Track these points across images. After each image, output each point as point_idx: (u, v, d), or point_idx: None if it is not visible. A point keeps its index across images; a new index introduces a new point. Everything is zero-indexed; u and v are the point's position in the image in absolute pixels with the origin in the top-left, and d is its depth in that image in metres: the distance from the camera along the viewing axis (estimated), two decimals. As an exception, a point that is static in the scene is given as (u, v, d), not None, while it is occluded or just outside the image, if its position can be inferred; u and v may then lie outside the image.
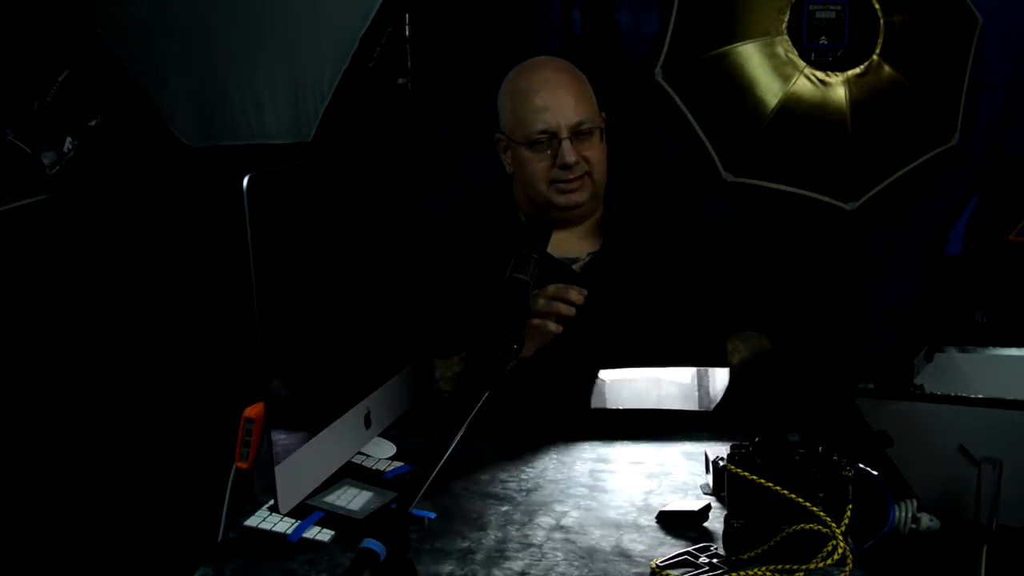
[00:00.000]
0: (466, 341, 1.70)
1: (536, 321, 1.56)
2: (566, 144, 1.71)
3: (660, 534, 1.27)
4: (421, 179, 1.45)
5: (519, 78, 1.78)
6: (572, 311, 1.56)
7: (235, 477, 1.35)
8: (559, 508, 1.35)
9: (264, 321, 1.06)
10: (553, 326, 1.56)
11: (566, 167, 1.72)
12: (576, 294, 1.56)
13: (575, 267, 1.78)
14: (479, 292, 1.73)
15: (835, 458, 1.25)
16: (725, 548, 1.21)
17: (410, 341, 1.44)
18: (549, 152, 1.73)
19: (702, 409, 1.59)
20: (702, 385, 1.59)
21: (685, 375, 1.61)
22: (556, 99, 1.73)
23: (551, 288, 1.58)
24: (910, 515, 1.23)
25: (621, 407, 1.57)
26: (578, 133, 1.73)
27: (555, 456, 1.53)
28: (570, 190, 1.75)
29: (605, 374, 1.57)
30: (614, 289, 1.73)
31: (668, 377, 1.60)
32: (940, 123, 2.56)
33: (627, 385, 1.58)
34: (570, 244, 1.79)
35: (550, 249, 1.70)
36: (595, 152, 1.75)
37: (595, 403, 1.56)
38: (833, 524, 1.18)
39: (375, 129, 2.65)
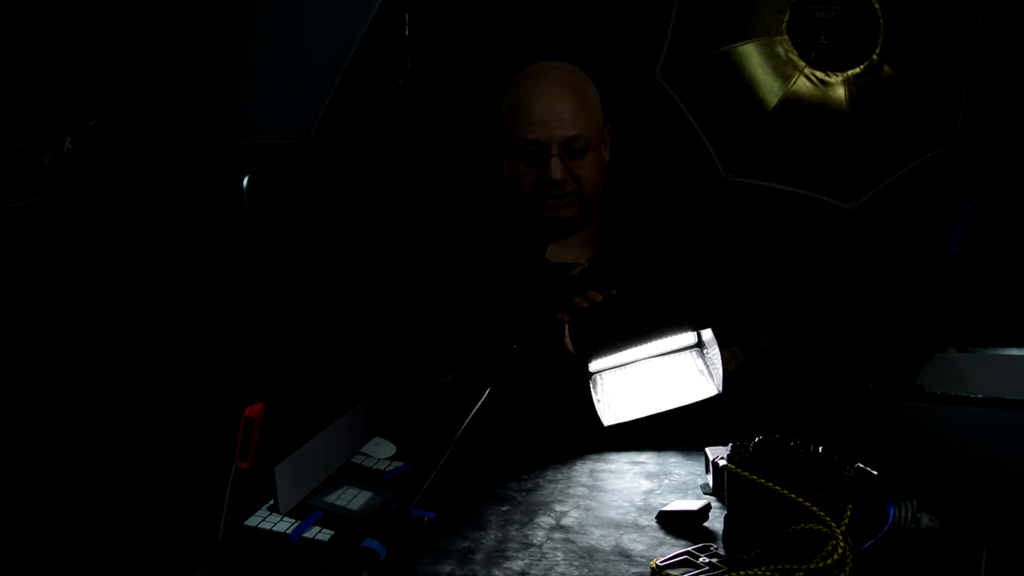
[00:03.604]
0: (465, 342, 1.70)
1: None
2: (555, 161, 1.68)
3: (660, 534, 1.27)
4: (420, 179, 1.45)
5: (521, 84, 1.75)
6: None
7: (235, 477, 1.35)
8: (559, 508, 1.35)
9: (264, 321, 1.06)
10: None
11: (552, 183, 1.69)
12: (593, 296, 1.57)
13: (574, 273, 1.78)
14: (477, 292, 1.73)
15: (835, 458, 1.25)
16: (725, 548, 1.21)
17: (410, 341, 1.44)
18: (538, 166, 1.70)
19: (712, 393, 1.58)
20: (704, 371, 1.59)
21: (686, 367, 1.60)
22: (551, 112, 1.69)
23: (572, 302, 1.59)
24: (910, 515, 1.23)
25: (632, 418, 1.57)
26: (570, 149, 1.69)
27: (555, 456, 1.53)
28: (556, 206, 1.72)
29: (607, 389, 1.56)
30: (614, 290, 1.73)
31: (669, 374, 1.59)
32: (940, 123, 2.56)
33: (633, 393, 1.58)
34: (569, 250, 1.79)
35: (549, 255, 1.69)
36: (587, 170, 1.71)
37: (607, 421, 1.56)
38: (833, 524, 1.18)
39: (375, 129, 2.65)
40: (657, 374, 1.57)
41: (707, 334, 1.54)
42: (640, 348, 1.55)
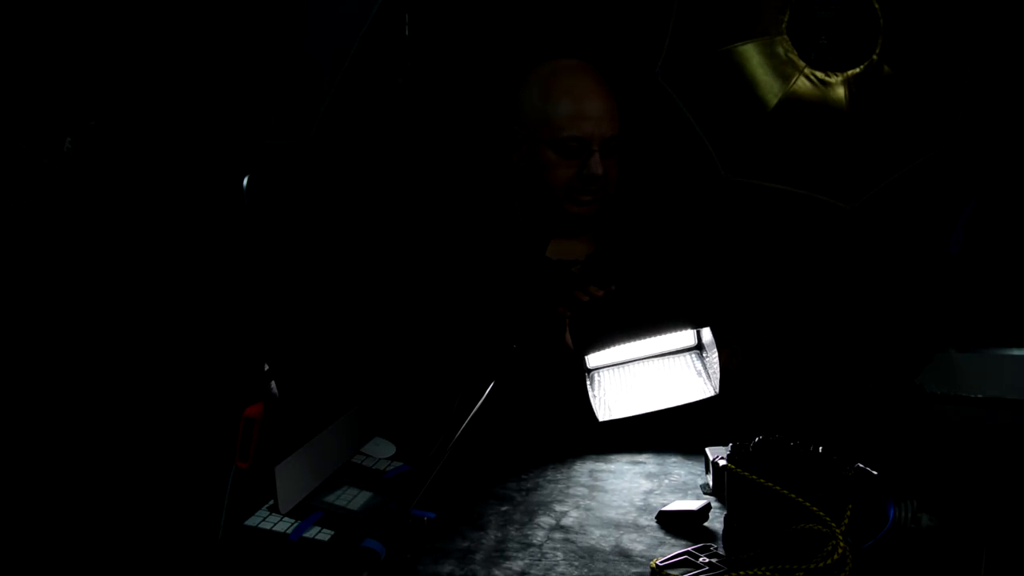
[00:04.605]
0: (465, 341, 1.70)
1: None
2: (596, 157, 1.70)
3: (660, 534, 1.27)
4: (420, 179, 1.46)
5: (557, 78, 1.75)
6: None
7: (235, 477, 1.34)
8: (559, 508, 1.35)
9: (264, 321, 1.06)
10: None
11: (591, 179, 1.70)
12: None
13: (573, 269, 1.78)
14: (477, 291, 1.73)
15: (835, 458, 1.25)
16: (725, 548, 1.21)
17: (409, 341, 1.44)
18: (576, 160, 1.71)
19: (709, 395, 1.58)
20: (702, 372, 1.59)
21: (684, 369, 1.60)
22: (595, 109, 1.71)
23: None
24: (910, 515, 1.23)
25: (628, 415, 1.57)
26: (607, 147, 1.72)
27: (555, 456, 1.53)
28: (586, 202, 1.74)
29: (604, 387, 1.57)
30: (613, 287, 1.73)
31: (667, 374, 1.60)
32: (940, 123, 2.56)
33: (629, 391, 1.58)
34: (569, 248, 1.79)
35: (549, 253, 1.70)
36: (615, 169, 1.75)
37: (602, 416, 1.56)
38: (833, 524, 1.18)
39: (375, 129, 2.65)
40: (654, 374, 1.57)
41: (706, 336, 1.55)
42: (639, 346, 1.56)
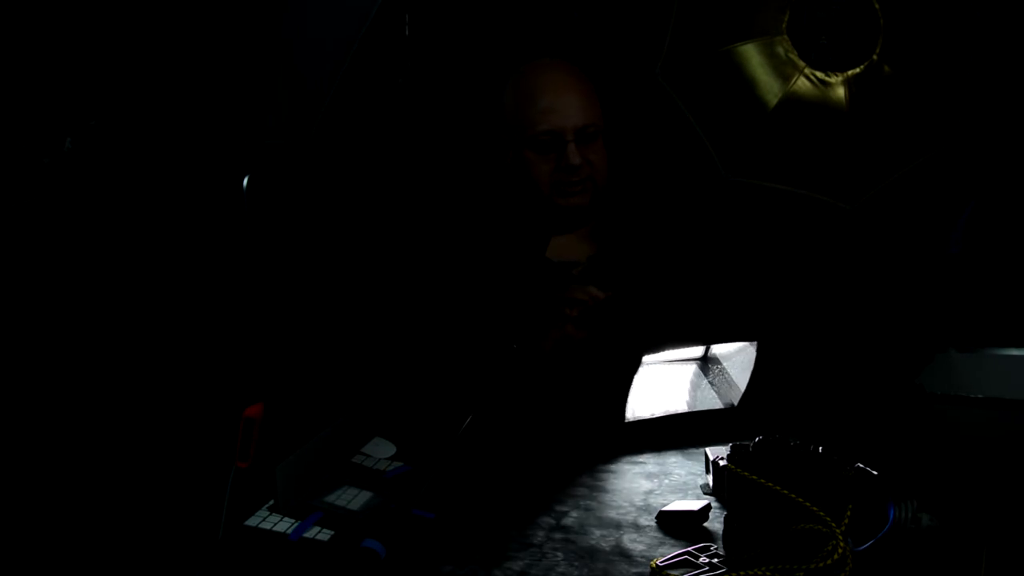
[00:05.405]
0: (465, 342, 1.70)
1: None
2: (571, 147, 1.71)
3: (660, 534, 1.27)
4: (420, 179, 1.46)
5: (526, 78, 1.77)
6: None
7: (235, 477, 1.35)
8: (559, 508, 1.35)
9: (265, 321, 1.06)
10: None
11: (570, 170, 1.71)
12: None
13: (574, 271, 1.78)
14: (478, 291, 1.73)
15: (835, 458, 1.25)
16: (725, 548, 1.21)
17: (410, 341, 1.44)
18: (553, 154, 1.73)
19: (725, 405, 1.59)
20: (720, 380, 1.60)
21: (694, 376, 1.61)
22: (562, 101, 1.72)
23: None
24: (910, 515, 1.23)
25: (653, 416, 1.57)
26: (583, 136, 1.72)
27: (555, 456, 1.53)
28: (573, 193, 1.74)
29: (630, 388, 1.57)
30: (613, 291, 1.73)
31: (685, 378, 1.61)
32: (940, 123, 2.56)
33: (653, 393, 1.59)
34: (570, 248, 1.79)
35: (549, 254, 1.70)
36: (599, 156, 1.75)
37: (627, 417, 1.56)
38: (833, 524, 1.18)
39: (375, 129, 2.65)
40: (673, 380, 1.58)
41: (720, 347, 1.56)
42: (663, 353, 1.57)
